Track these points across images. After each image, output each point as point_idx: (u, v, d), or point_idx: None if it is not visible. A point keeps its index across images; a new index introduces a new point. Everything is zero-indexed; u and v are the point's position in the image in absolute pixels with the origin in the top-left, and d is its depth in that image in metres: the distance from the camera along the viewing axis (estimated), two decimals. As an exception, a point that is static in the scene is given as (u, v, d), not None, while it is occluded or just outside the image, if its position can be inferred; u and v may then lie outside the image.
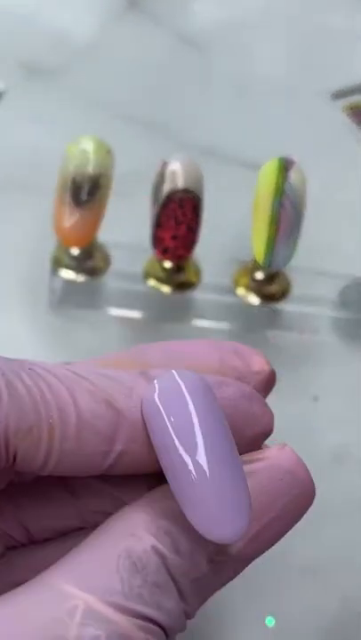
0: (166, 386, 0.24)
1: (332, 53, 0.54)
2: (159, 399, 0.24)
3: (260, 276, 0.42)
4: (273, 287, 0.42)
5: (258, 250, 0.39)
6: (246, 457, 0.25)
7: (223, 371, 0.27)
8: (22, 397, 0.23)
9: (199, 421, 0.23)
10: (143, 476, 0.25)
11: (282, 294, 0.43)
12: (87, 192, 0.38)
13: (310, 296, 0.43)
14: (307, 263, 0.43)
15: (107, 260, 0.42)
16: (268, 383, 0.28)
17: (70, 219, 0.39)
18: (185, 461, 0.23)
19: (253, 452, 0.25)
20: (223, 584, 0.25)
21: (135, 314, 0.43)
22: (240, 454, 0.25)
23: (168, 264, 0.41)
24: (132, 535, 0.24)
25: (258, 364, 0.27)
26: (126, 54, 0.52)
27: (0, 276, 0.44)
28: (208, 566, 0.24)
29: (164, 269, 0.42)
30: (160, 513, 0.24)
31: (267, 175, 0.39)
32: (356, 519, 0.39)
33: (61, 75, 0.51)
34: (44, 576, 0.23)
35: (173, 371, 0.24)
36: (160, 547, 0.23)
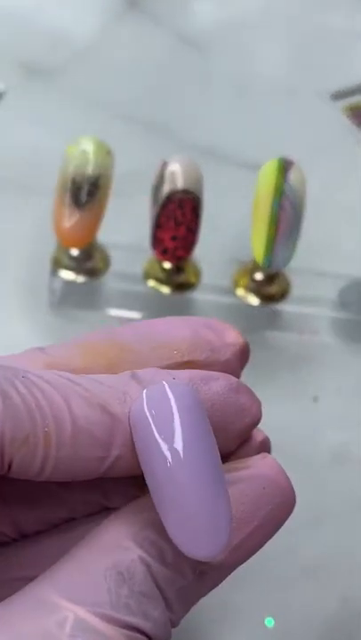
0: (154, 397, 0.24)
1: (333, 53, 0.54)
2: (148, 409, 0.23)
3: (259, 276, 0.42)
4: (273, 288, 0.42)
5: (257, 250, 0.39)
6: (229, 466, 0.25)
7: (196, 344, 0.27)
8: (17, 406, 0.23)
9: (184, 436, 0.23)
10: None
11: (281, 295, 0.43)
12: (87, 193, 0.38)
13: (310, 297, 0.43)
14: (306, 264, 0.43)
15: (106, 261, 0.42)
16: (242, 354, 0.28)
17: (70, 219, 0.39)
18: (168, 477, 0.23)
19: (236, 461, 0.25)
20: (207, 592, 0.25)
21: (135, 314, 0.43)
22: (232, 447, 0.26)
23: (168, 265, 0.41)
24: (118, 546, 0.24)
25: (231, 336, 0.28)
26: (126, 54, 0.52)
27: (0, 277, 0.44)
28: (193, 575, 0.24)
29: (164, 270, 0.42)
30: (146, 523, 0.24)
31: (266, 175, 0.39)
32: (357, 519, 0.39)
33: (61, 75, 0.51)
34: (33, 587, 0.24)
35: (164, 382, 0.24)
36: (146, 557, 0.24)
